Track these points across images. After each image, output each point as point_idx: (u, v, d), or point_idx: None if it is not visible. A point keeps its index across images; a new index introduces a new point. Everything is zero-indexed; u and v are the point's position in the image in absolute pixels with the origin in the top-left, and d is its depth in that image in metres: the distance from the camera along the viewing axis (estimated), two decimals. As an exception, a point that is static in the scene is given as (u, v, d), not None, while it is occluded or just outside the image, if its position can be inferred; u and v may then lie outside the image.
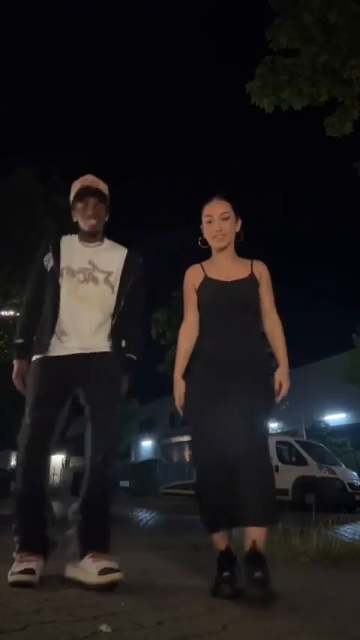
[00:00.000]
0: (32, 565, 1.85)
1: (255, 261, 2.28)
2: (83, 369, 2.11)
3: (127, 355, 2.25)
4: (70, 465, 28.46)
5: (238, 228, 2.28)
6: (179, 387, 2.15)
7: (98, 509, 2.02)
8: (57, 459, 30.84)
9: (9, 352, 12.14)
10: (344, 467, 12.64)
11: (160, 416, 31.90)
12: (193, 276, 2.28)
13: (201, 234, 2.29)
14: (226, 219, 2.21)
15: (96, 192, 2.27)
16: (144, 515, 8.13)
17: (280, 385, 2.11)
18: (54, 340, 2.13)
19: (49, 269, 2.23)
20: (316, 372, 21.34)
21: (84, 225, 2.29)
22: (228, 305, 2.17)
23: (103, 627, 1.33)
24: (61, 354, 2.12)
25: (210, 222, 2.23)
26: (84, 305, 2.18)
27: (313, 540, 3.07)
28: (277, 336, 2.22)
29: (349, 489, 11.21)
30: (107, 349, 2.19)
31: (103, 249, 2.32)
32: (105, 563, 1.83)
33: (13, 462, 30.16)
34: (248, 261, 2.28)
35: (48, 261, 2.25)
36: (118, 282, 2.26)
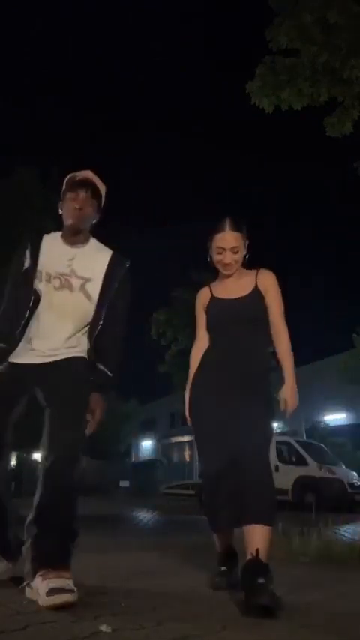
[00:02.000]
0: None
1: (260, 272, 2.27)
2: (45, 372, 1.97)
3: (100, 368, 2.04)
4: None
5: (245, 251, 2.29)
6: (186, 402, 2.26)
7: (51, 521, 1.75)
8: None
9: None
10: (344, 467, 12.63)
11: (160, 416, 31.90)
12: (203, 298, 2.36)
13: (209, 254, 2.30)
14: (237, 252, 2.23)
15: (90, 186, 2.09)
16: (144, 515, 8.13)
17: (286, 402, 2.11)
18: (21, 345, 1.99)
19: (24, 269, 2.07)
20: (316, 372, 21.32)
21: (68, 219, 2.08)
22: (231, 321, 2.23)
23: (103, 627, 1.33)
24: (25, 362, 1.97)
25: (220, 253, 2.24)
26: (56, 314, 2.01)
27: (313, 540, 3.07)
28: (281, 351, 2.20)
29: (349, 489, 11.20)
30: (75, 354, 2.02)
31: (85, 251, 2.13)
32: (54, 582, 1.58)
33: (13, 462, 30.22)
34: (254, 273, 2.28)
35: (25, 261, 2.09)
36: (97, 290, 2.06)
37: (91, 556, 1.93)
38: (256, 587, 1.66)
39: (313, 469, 11.52)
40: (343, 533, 4.28)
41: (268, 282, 2.24)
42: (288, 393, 2.12)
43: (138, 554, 3.06)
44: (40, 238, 2.13)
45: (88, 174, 2.13)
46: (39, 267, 2.05)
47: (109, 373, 2.04)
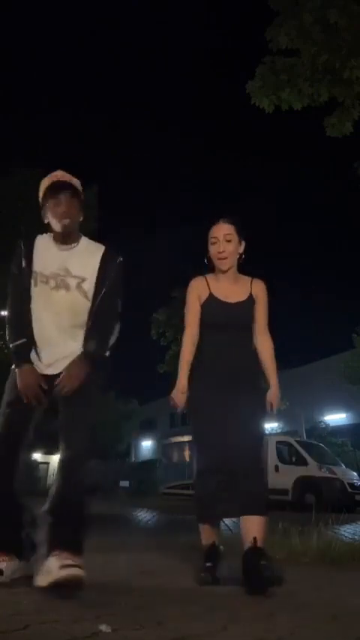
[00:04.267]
0: (2, 565, 1.88)
1: (254, 281, 2.43)
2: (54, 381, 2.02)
3: (91, 340, 2.07)
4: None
5: (241, 250, 2.41)
6: (179, 388, 2.33)
7: (66, 511, 1.86)
8: (57, 459, 30.80)
9: (8, 352, 12.14)
10: (344, 467, 12.63)
11: (160, 416, 31.91)
12: (199, 289, 2.42)
13: (207, 253, 2.42)
14: (229, 241, 2.34)
15: (68, 187, 2.10)
16: (144, 515, 8.13)
17: (271, 405, 2.32)
18: (32, 353, 2.06)
19: (19, 270, 2.12)
20: (316, 372, 21.35)
21: (57, 225, 2.11)
22: (228, 325, 2.37)
23: (103, 627, 1.33)
24: (40, 371, 2.04)
25: (214, 243, 2.36)
26: (55, 314, 2.07)
27: (313, 540, 3.07)
28: (266, 357, 2.38)
29: (349, 489, 11.20)
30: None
31: (78, 251, 2.16)
32: (67, 560, 1.71)
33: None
34: (248, 280, 2.44)
35: (22, 262, 2.13)
36: (92, 289, 2.10)
37: (91, 556, 1.93)
38: (260, 567, 1.87)
39: (313, 469, 11.52)
40: (343, 533, 4.27)
41: (259, 292, 2.41)
42: (273, 398, 2.32)
43: (138, 554, 3.06)
44: (33, 240, 2.17)
45: (62, 176, 2.14)
46: (34, 269, 2.09)
47: (98, 346, 2.06)
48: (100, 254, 2.16)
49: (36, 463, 33.10)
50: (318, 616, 1.59)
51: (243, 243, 2.40)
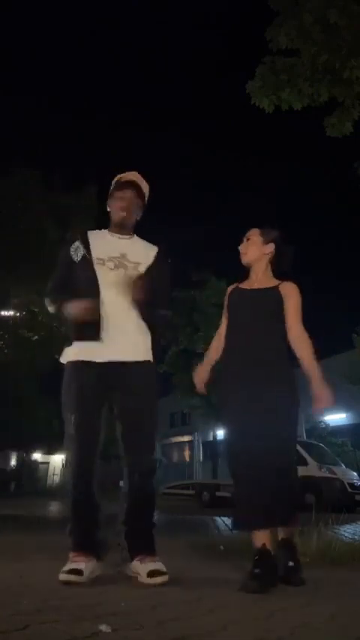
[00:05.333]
0: (81, 566, 1.94)
1: (284, 282, 2.44)
2: (119, 378, 2.15)
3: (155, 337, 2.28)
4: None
5: (267, 251, 2.48)
6: (200, 372, 2.54)
7: (141, 519, 2.12)
8: (57, 459, 30.82)
9: (8, 352, 12.13)
10: (344, 467, 12.63)
11: (160, 416, 31.61)
12: (229, 291, 2.56)
13: None
14: (249, 239, 2.51)
15: (136, 187, 2.35)
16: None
17: (319, 399, 2.23)
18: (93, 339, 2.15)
19: (79, 258, 2.24)
20: (316, 372, 21.30)
21: (115, 215, 2.34)
22: (248, 306, 2.40)
23: (103, 627, 1.33)
24: (99, 360, 2.13)
25: (241, 242, 2.54)
26: (117, 291, 2.19)
27: (313, 540, 3.07)
28: (303, 351, 2.29)
29: (349, 489, 11.19)
30: (144, 358, 2.22)
31: (133, 242, 2.37)
32: (151, 566, 1.97)
33: (13, 462, 30.16)
34: (279, 281, 2.47)
35: (76, 250, 2.27)
36: (145, 272, 2.27)
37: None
38: (287, 569, 2.05)
39: (313, 469, 11.51)
40: (343, 533, 4.27)
41: (288, 289, 2.39)
42: (317, 389, 2.24)
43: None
44: (86, 233, 2.34)
45: (135, 176, 2.38)
46: (92, 254, 2.24)
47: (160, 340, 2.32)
48: (155, 251, 2.37)
49: (36, 463, 33.11)
50: (318, 616, 1.59)
51: (271, 245, 2.47)
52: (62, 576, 1.89)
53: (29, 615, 1.44)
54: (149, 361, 2.24)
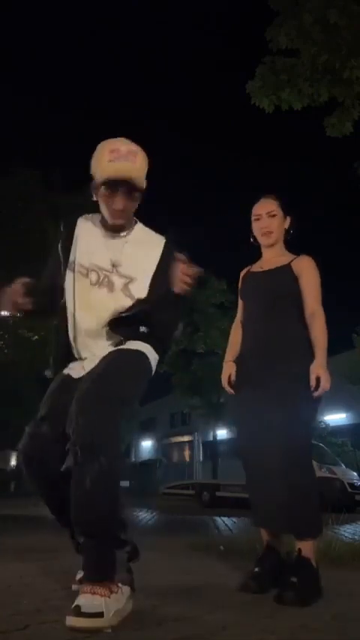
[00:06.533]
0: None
1: (299, 256, 2.23)
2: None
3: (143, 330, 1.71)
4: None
5: (287, 225, 2.28)
6: (225, 370, 2.25)
7: (86, 529, 1.45)
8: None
9: (8, 352, 12.13)
10: (344, 467, 12.62)
11: (160, 416, 31.89)
12: (242, 276, 2.39)
13: (251, 232, 2.33)
14: (274, 216, 2.23)
15: (129, 186, 1.71)
16: (144, 516, 8.12)
17: (318, 379, 1.94)
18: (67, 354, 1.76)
19: (60, 257, 1.80)
20: (316, 372, 21.31)
21: (107, 217, 1.75)
22: (260, 292, 2.22)
23: (103, 627, 1.32)
24: (74, 376, 1.69)
25: (258, 219, 2.26)
26: (94, 317, 1.70)
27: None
28: (313, 328, 2.07)
29: (349, 489, 11.19)
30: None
31: (131, 242, 1.79)
32: (80, 599, 1.32)
33: (13, 462, 30.15)
34: (293, 255, 2.25)
35: (60, 247, 1.82)
36: (143, 291, 1.72)
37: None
38: (288, 584, 1.77)
39: (313, 469, 11.49)
40: (343, 533, 4.27)
41: (303, 265, 2.17)
42: (317, 369, 1.96)
43: (138, 554, 3.05)
44: (74, 222, 1.83)
45: (126, 165, 1.69)
46: (71, 257, 1.76)
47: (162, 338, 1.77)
48: (161, 248, 1.81)
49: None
50: (318, 616, 1.59)
51: (288, 219, 2.28)
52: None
53: (29, 615, 1.44)
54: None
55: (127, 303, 1.70)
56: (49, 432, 1.58)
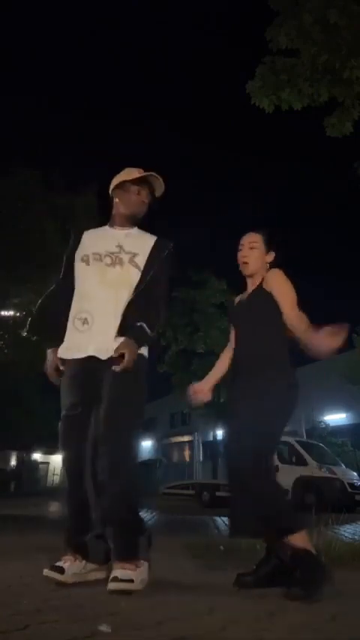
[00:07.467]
0: (65, 565, 1.93)
1: (268, 272, 2.31)
2: (98, 375, 2.05)
3: (139, 325, 2.10)
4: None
5: (269, 260, 2.36)
6: (197, 386, 2.44)
7: (114, 523, 1.95)
8: (57, 459, 30.78)
9: (8, 352, 12.14)
10: (344, 467, 12.62)
11: (160, 416, 31.90)
12: (231, 306, 2.54)
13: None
14: (253, 248, 2.34)
15: (150, 187, 2.35)
16: (144, 515, 8.12)
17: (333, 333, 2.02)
18: (73, 333, 2.13)
19: (70, 257, 2.29)
20: (316, 372, 21.30)
21: (127, 208, 2.31)
22: (239, 319, 2.37)
23: (103, 627, 1.33)
24: (79, 356, 2.08)
25: (240, 249, 2.38)
26: (109, 287, 2.15)
27: (313, 540, 3.07)
28: (295, 329, 2.14)
29: (349, 489, 11.19)
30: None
31: (132, 233, 2.34)
32: (115, 572, 1.83)
33: (13, 462, 30.15)
34: (263, 274, 2.34)
35: (71, 251, 2.31)
36: (144, 264, 2.22)
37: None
38: (293, 580, 1.86)
39: (313, 469, 11.51)
40: (343, 533, 4.27)
41: (271, 280, 2.25)
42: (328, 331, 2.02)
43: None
44: (81, 233, 2.35)
45: (156, 176, 2.33)
46: (85, 252, 2.24)
47: (147, 330, 2.11)
48: (153, 241, 2.31)
49: (36, 463, 33.13)
50: (318, 616, 1.59)
51: (272, 254, 2.36)
52: (45, 571, 1.91)
53: (29, 615, 1.44)
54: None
55: (134, 271, 2.19)
56: (83, 417, 2.03)
